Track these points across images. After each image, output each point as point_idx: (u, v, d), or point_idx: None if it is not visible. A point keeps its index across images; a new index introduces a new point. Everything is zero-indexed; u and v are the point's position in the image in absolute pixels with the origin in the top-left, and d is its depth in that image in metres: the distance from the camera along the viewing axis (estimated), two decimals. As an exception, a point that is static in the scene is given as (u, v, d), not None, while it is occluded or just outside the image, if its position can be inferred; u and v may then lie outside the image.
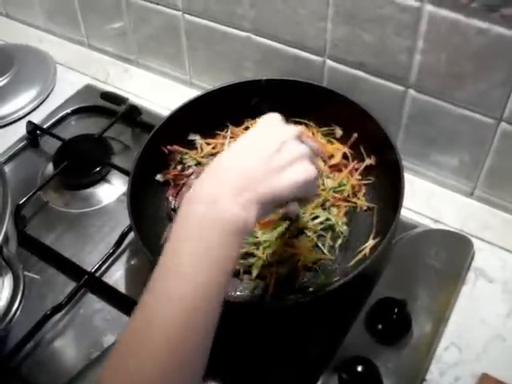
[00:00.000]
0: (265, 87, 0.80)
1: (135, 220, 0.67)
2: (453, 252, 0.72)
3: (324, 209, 0.74)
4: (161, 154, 0.79)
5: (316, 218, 0.73)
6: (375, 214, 0.74)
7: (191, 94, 0.82)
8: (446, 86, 0.71)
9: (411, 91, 0.74)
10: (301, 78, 0.79)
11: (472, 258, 0.72)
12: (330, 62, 0.79)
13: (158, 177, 0.79)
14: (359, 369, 0.59)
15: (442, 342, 0.66)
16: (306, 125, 0.82)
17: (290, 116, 0.81)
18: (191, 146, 0.83)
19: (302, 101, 0.79)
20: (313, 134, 0.81)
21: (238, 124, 0.84)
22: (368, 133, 0.75)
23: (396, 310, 0.64)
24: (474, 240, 0.74)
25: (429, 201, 0.80)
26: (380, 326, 0.64)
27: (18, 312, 0.60)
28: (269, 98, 0.80)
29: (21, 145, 0.92)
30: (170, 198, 0.78)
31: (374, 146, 0.75)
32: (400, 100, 0.76)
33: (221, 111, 0.81)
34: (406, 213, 0.76)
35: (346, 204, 0.75)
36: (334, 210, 0.74)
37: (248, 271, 0.69)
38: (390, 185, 0.70)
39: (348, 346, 0.63)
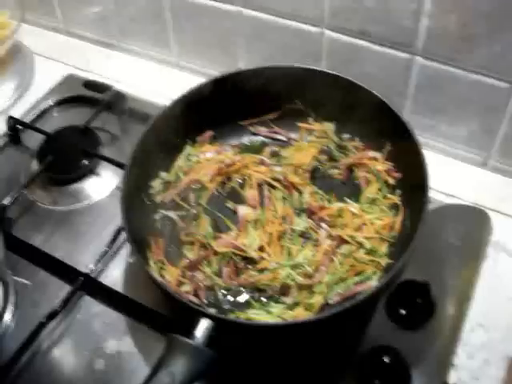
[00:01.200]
0: (267, 76, 0.74)
1: (128, 221, 0.63)
2: (470, 227, 0.71)
3: None
4: (158, 149, 0.74)
5: None
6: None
7: (179, 76, 0.78)
8: (456, 50, 0.69)
9: (418, 58, 0.73)
10: (301, 64, 0.73)
11: (490, 233, 0.71)
12: (328, 33, 0.77)
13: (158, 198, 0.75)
14: (386, 360, 0.58)
15: (468, 323, 0.64)
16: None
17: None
18: (189, 143, 0.78)
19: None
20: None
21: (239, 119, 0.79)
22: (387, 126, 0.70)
23: (419, 293, 0.63)
24: (490, 213, 0.72)
25: (440, 174, 0.77)
26: (403, 311, 0.63)
27: (11, 322, 0.59)
28: (272, 85, 0.74)
29: (1, 142, 0.89)
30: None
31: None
32: (406, 69, 0.75)
33: (221, 103, 0.75)
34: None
35: None
36: None
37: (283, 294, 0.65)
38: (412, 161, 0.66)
39: (371, 336, 0.62)
